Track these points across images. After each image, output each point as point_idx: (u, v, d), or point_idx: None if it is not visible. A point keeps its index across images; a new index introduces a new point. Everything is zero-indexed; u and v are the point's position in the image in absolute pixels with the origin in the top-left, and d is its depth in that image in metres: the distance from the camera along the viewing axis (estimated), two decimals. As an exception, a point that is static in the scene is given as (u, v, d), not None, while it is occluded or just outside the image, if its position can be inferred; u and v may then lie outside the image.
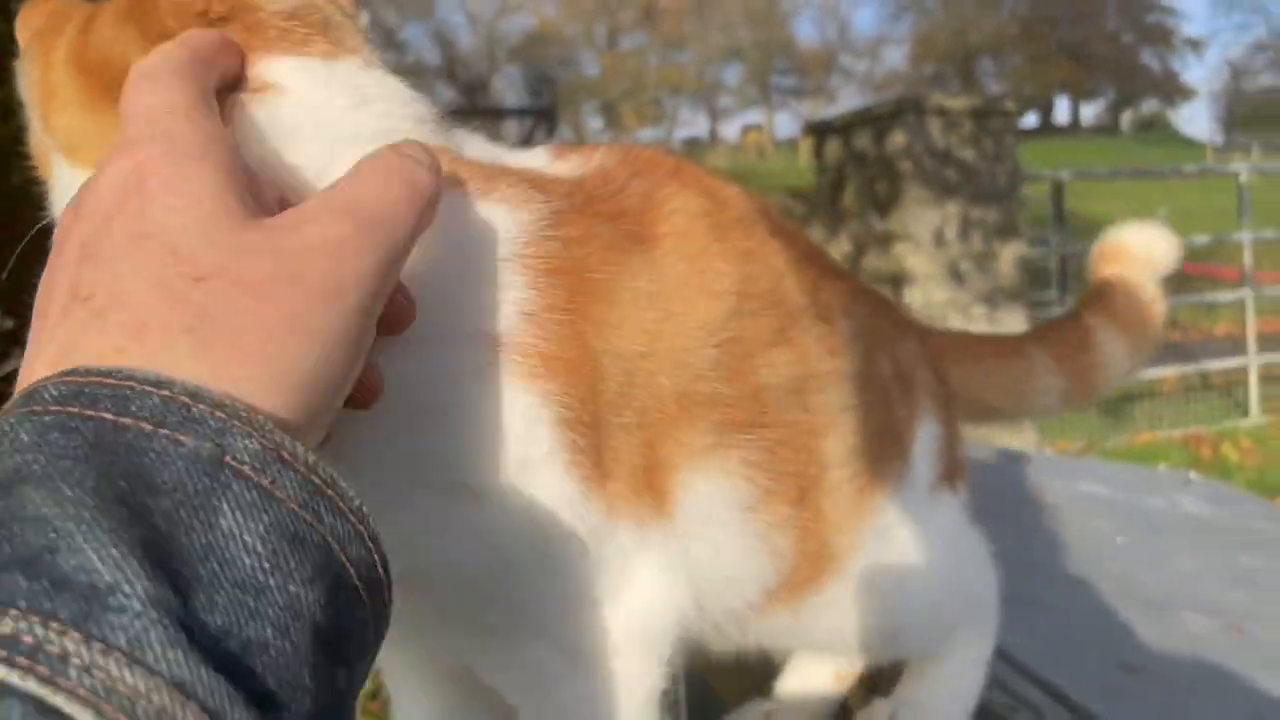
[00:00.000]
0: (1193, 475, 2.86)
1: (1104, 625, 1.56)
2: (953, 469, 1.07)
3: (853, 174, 6.33)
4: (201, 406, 0.40)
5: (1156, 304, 1.27)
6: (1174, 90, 47.90)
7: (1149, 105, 49.21)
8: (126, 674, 0.31)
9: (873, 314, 1.01)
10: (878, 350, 0.97)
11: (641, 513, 0.71)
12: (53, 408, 0.38)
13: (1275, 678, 1.49)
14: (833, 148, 6.54)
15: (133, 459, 0.37)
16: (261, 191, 0.50)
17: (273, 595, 0.37)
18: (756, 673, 1.11)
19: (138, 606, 0.33)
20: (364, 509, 0.43)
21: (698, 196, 0.79)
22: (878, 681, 1.13)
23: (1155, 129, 45.12)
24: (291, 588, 0.38)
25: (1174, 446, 6.77)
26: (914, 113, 5.97)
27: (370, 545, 0.43)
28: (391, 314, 0.53)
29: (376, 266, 0.48)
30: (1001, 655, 1.40)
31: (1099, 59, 42.36)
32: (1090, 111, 50.98)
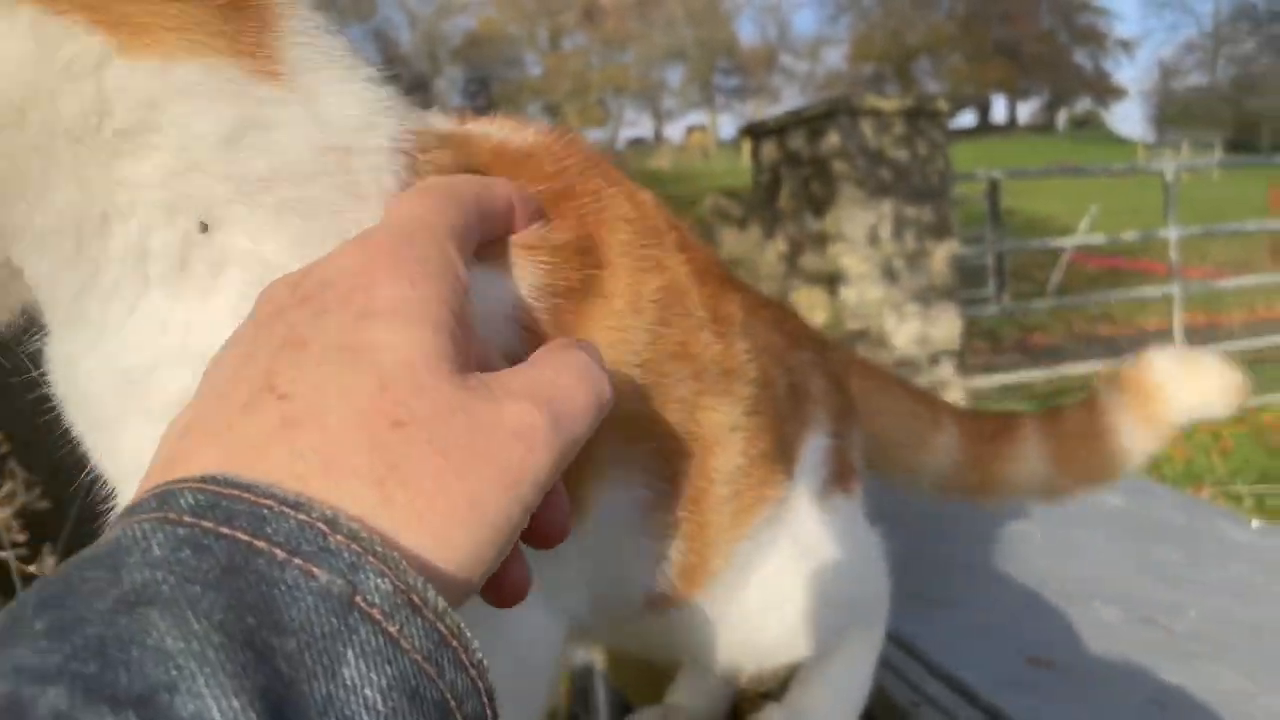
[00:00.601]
0: (1113, 468, 2.91)
1: (1014, 619, 1.59)
2: (846, 472, 1.07)
3: (788, 175, 6.37)
4: (339, 537, 0.37)
5: (1124, 453, 1.19)
6: (1106, 90, 48.93)
7: (1083, 105, 50.22)
8: None
9: (771, 328, 1.02)
10: (773, 367, 0.98)
11: None
12: (188, 518, 0.36)
13: (1183, 666, 1.52)
14: (768, 149, 6.58)
15: (263, 589, 0.35)
16: (469, 349, 0.48)
17: None
18: (664, 679, 1.12)
19: None
20: (484, 661, 0.41)
21: (628, 204, 0.79)
22: (770, 686, 1.14)
23: (1090, 128, 46.05)
24: None
25: (1105, 439, 6.90)
26: (846, 114, 6.03)
27: (485, 700, 0.41)
28: (542, 526, 0.50)
29: (553, 465, 0.46)
30: (908, 651, 1.41)
31: (1034, 59, 43.13)
32: (1026, 111, 51.92)
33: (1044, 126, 48.23)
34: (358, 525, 0.38)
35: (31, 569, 1.76)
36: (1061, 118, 49.59)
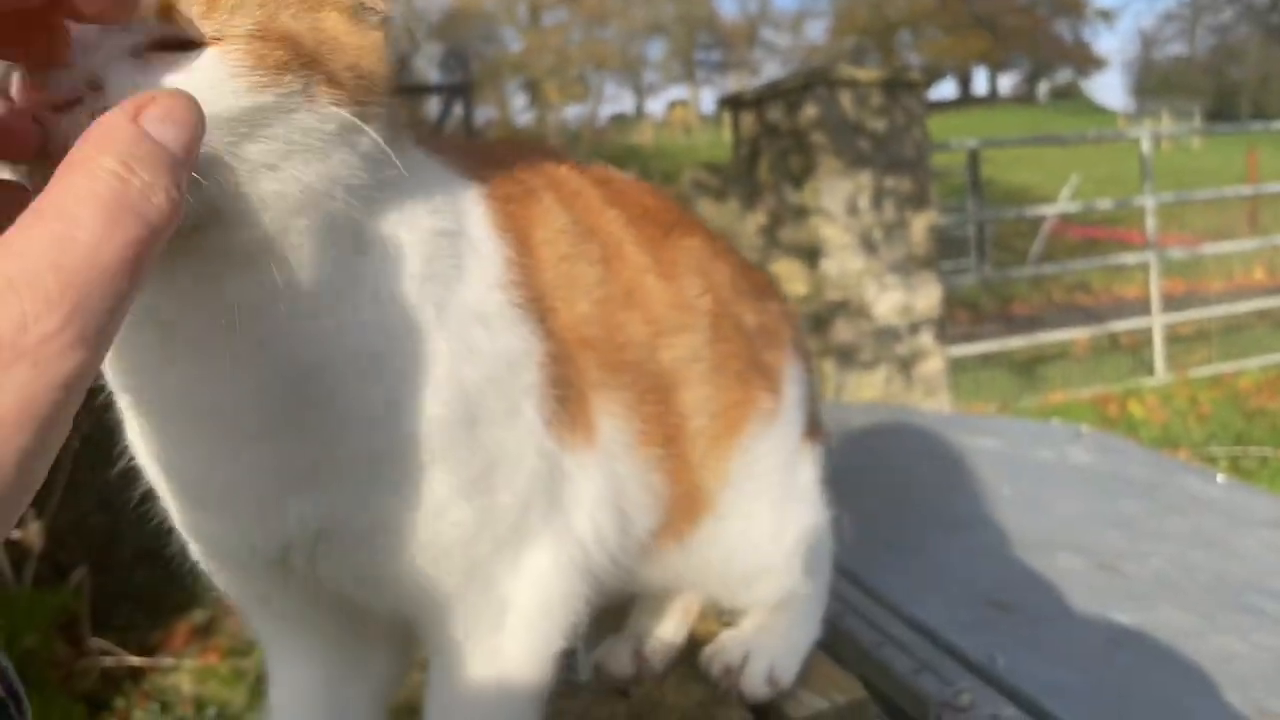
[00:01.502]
0: (1084, 429, 2.97)
1: (977, 567, 1.64)
2: (814, 422, 1.15)
3: (767, 147, 6.39)
4: None
5: None
6: (1086, 60, 48.90)
7: (1064, 76, 50.21)
8: None
9: (735, 272, 1.07)
10: (738, 303, 1.03)
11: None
12: None
13: (1140, 610, 1.58)
14: (747, 121, 6.59)
15: None
16: None
17: None
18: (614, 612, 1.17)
19: None
20: (15, 681, 0.43)
21: (554, 196, 0.88)
22: (721, 615, 1.19)
23: (1070, 98, 46.06)
24: None
25: (1083, 407, 6.97)
26: (824, 85, 6.03)
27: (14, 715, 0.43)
28: None
29: (87, 365, 0.40)
30: (873, 596, 1.46)
31: (1013, 30, 43.04)
32: (1008, 83, 51.87)
33: (1025, 98, 48.20)
34: None
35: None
36: (1042, 89, 49.57)
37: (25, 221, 0.40)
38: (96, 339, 0.40)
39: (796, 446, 1.08)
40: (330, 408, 0.69)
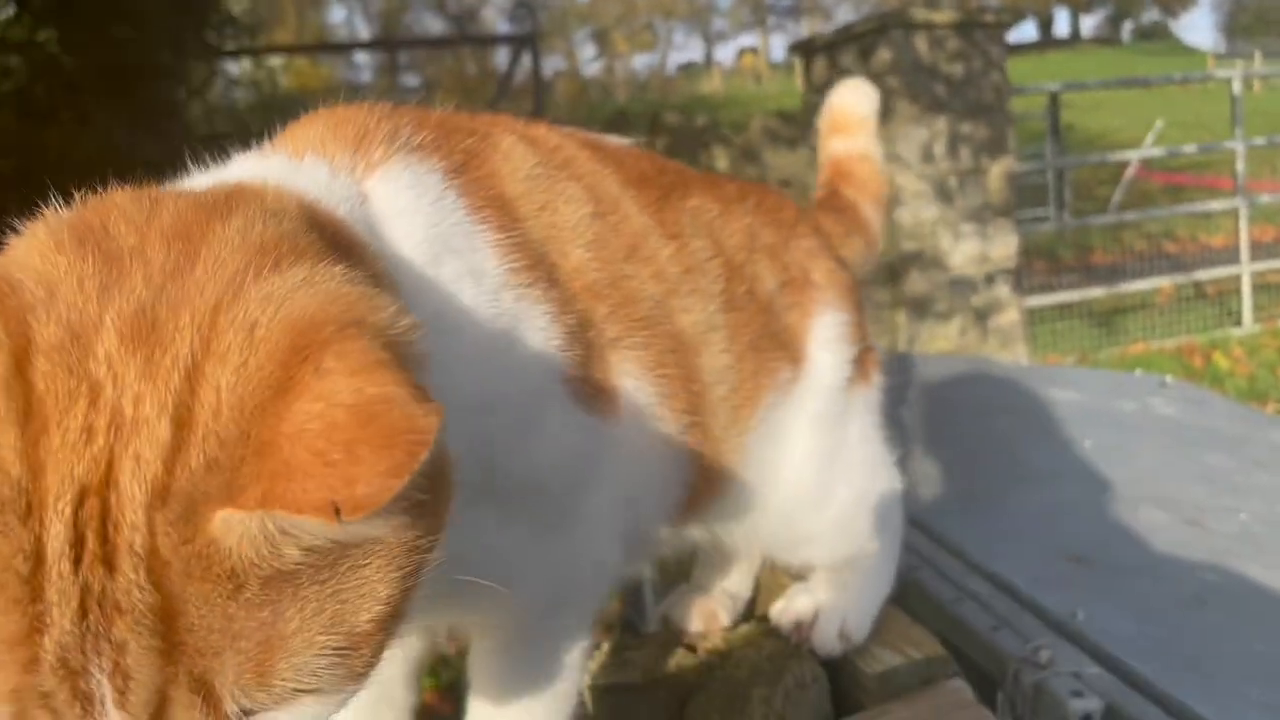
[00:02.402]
0: (1168, 379, 2.89)
1: (1058, 521, 1.61)
2: (865, 358, 1.11)
3: (840, 93, 6.26)
4: None
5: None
6: (1174, -2, 47.02)
7: (1149, 15, 48.35)
8: None
9: (757, 223, 1.04)
10: (756, 262, 1.01)
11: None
12: None
13: (1227, 567, 1.54)
14: (819, 67, 6.46)
15: None
16: None
17: None
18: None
19: None
20: None
21: (514, 137, 0.84)
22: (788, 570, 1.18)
23: (1156, 38, 44.36)
24: None
25: (1166, 357, 6.79)
26: (899, 28, 5.88)
27: None
28: None
29: None
30: (951, 550, 1.44)
31: (1098, -32, 41.46)
32: (1090, 23, 50.14)
33: (1109, 39, 46.55)
34: None
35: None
36: (1127, 29, 47.82)
37: None
38: None
39: (836, 405, 1.04)
40: None
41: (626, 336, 0.83)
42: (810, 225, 1.13)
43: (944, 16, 6.04)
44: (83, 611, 0.46)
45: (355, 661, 0.51)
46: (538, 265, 0.76)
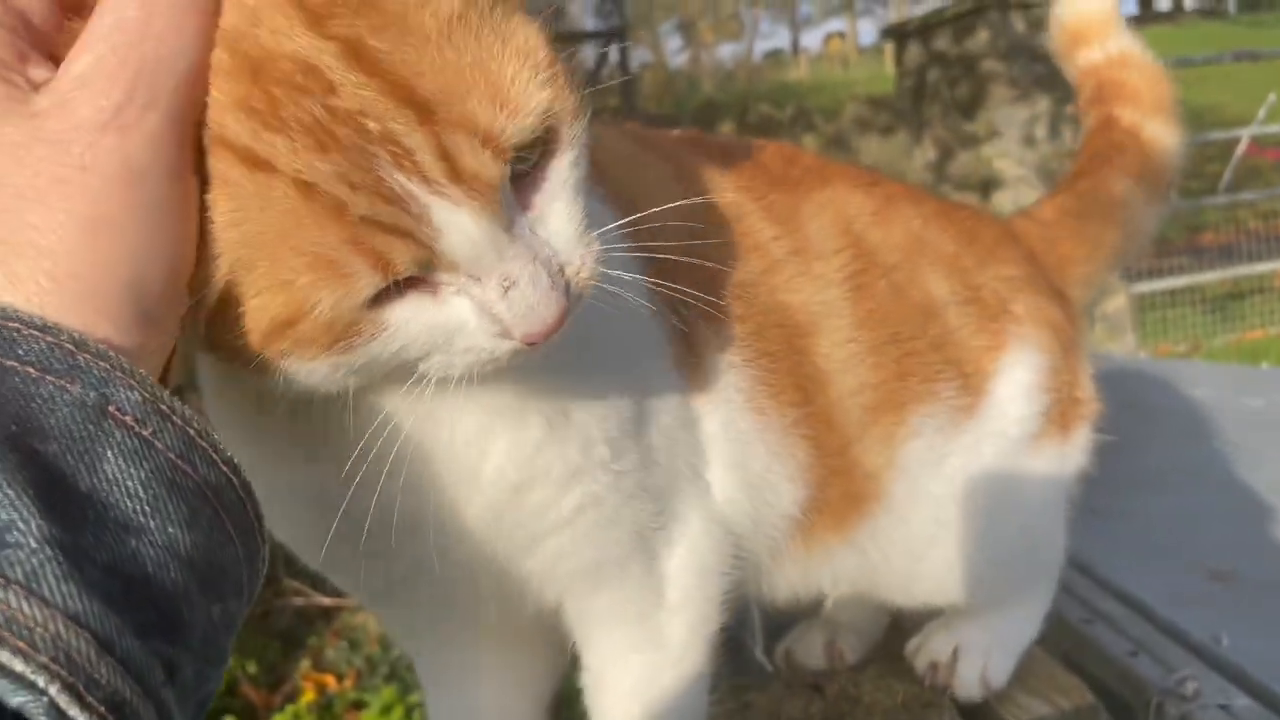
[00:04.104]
0: (1296, 373, 2.73)
1: (1192, 531, 1.51)
2: (1068, 408, 1.00)
3: (934, 77, 6.11)
4: (86, 355, 0.41)
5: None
6: (1286, -36, 45.00)
7: (1258, -17, 46.37)
8: (25, 605, 0.34)
9: (923, 230, 0.96)
10: (917, 266, 0.93)
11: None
12: None
13: (1379, 579, 1.43)
14: (912, 51, 6.32)
15: (20, 403, 0.39)
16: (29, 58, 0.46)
17: (152, 536, 0.40)
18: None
19: (33, 544, 0.35)
20: (235, 460, 0.45)
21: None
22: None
23: (1265, 8, 42.53)
24: (170, 529, 0.41)
25: (1286, 344, 6.48)
26: (996, 8, 5.72)
27: (242, 494, 0.45)
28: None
29: (166, 121, 0.45)
30: (1079, 568, 1.36)
31: (1203, -64, 39.90)
32: (1195, -6, 48.26)
33: (1213, 11, 44.77)
34: (104, 345, 0.42)
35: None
36: (1232, 0, 45.95)
37: (88, 23, 0.45)
38: (168, 99, 0.45)
39: (1015, 459, 0.95)
40: None
41: (714, 301, 0.79)
42: (1020, 253, 1.03)
43: (1044, -6, 5.85)
44: (329, 141, 0.48)
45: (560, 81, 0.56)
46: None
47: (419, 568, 0.72)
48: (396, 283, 0.52)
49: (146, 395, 0.42)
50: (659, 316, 0.76)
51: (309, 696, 3.00)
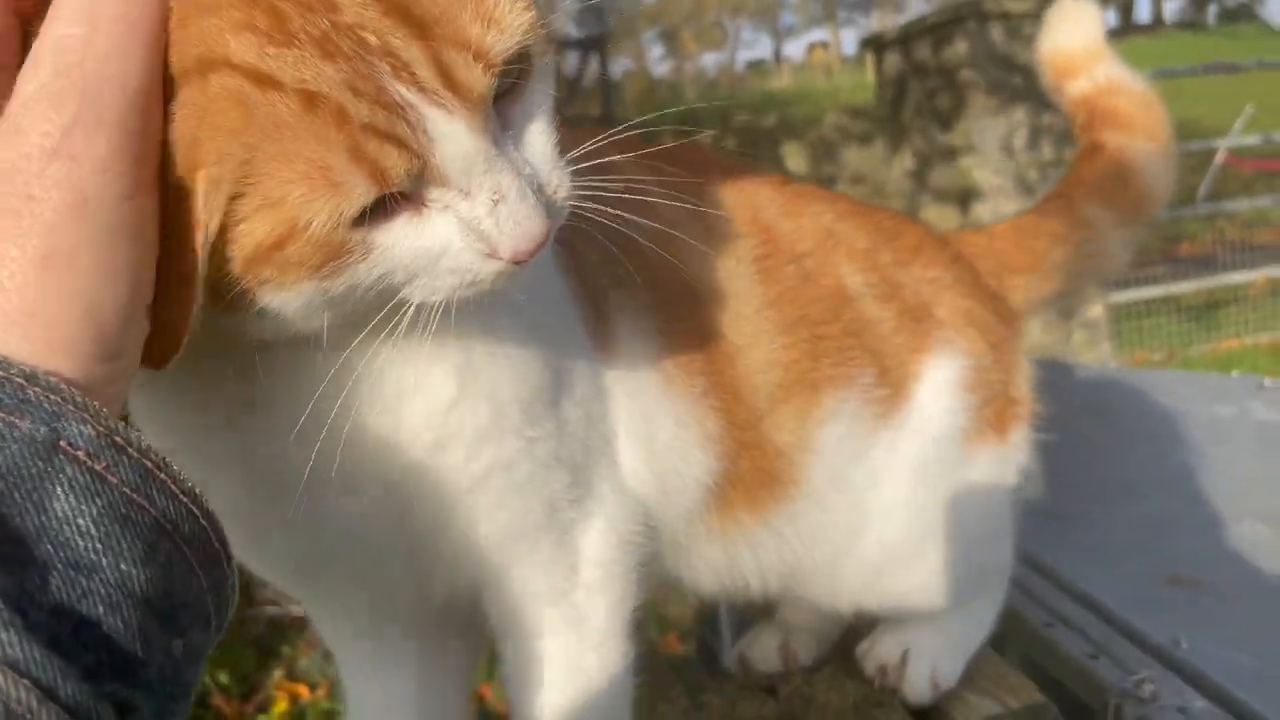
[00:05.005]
0: (1267, 381, 2.75)
1: (1154, 538, 1.52)
2: (1003, 410, 1.00)
3: (913, 87, 6.15)
4: (36, 390, 0.40)
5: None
6: (1263, -22, 45.42)
7: (1236, -4, 46.81)
8: None
9: (834, 225, 0.97)
10: (829, 257, 0.94)
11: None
12: None
13: (1341, 586, 1.44)
14: (891, 61, 6.35)
15: None
16: None
17: (104, 574, 0.39)
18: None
19: None
20: (195, 489, 0.44)
21: None
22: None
23: (1243, 20, 42.92)
24: (123, 566, 0.40)
25: (1261, 353, 6.54)
26: (974, 18, 5.75)
27: (204, 523, 0.44)
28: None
29: (117, 140, 0.44)
30: (1041, 571, 1.37)
31: (1181, -50, 40.24)
32: (1174, 7, 48.74)
33: (1192, 23, 45.19)
34: (55, 379, 0.41)
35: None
36: (1212, 12, 46.37)
37: (33, 47, 0.45)
38: (117, 116, 0.44)
39: (944, 456, 0.96)
40: None
41: (618, 265, 0.80)
42: (946, 255, 1.03)
43: (1020, 4, 5.88)
44: (335, 51, 0.50)
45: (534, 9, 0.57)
46: None
47: (347, 538, 0.73)
48: (386, 202, 0.53)
49: (100, 429, 0.41)
50: (569, 276, 0.77)
51: (282, 706, 2.99)
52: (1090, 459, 1.90)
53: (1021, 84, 5.86)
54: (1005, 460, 1.01)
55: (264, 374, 0.62)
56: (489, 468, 0.72)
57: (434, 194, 0.55)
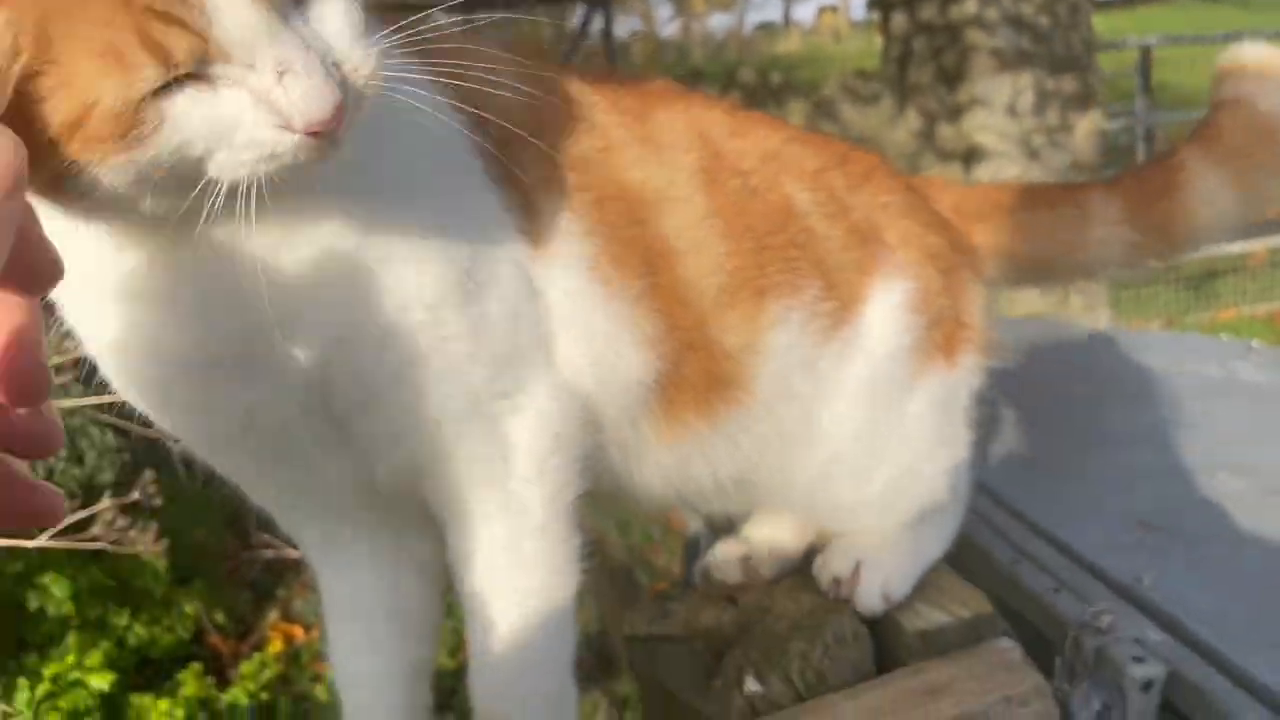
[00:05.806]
0: (1255, 344, 2.76)
1: (1129, 487, 1.54)
2: (953, 335, 1.03)
3: (920, 46, 6.11)
4: None
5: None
6: (1282, -52, 44.85)
7: (1253, -35, 46.23)
8: None
9: (782, 149, 0.99)
10: (774, 175, 0.96)
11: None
12: None
13: (1309, 537, 1.46)
14: (898, 21, 6.30)
15: None
16: None
17: None
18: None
19: None
20: None
21: None
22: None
23: (1259, -9, 42.42)
24: None
25: (1259, 323, 6.54)
26: (983, -22, 5.71)
27: None
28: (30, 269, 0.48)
29: None
30: (1012, 513, 1.40)
31: (1200, -83, 39.70)
32: (1189, -25, 48.09)
33: (1208, -8, 44.60)
34: None
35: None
36: (1229, -19, 45.78)
37: None
38: None
39: (890, 375, 0.98)
40: None
41: (554, 169, 0.82)
42: (898, 184, 1.05)
43: (1029, -34, 5.83)
44: None
45: None
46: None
47: (284, 423, 0.76)
48: (178, 79, 0.55)
49: None
50: (496, 176, 0.78)
51: (276, 646, 3.03)
52: (1072, 413, 1.93)
53: (1028, 46, 5.82)
54: (954, 383, 1.03)
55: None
56: (400, 364, 0.74)
57: (220, 69, 0.56)
